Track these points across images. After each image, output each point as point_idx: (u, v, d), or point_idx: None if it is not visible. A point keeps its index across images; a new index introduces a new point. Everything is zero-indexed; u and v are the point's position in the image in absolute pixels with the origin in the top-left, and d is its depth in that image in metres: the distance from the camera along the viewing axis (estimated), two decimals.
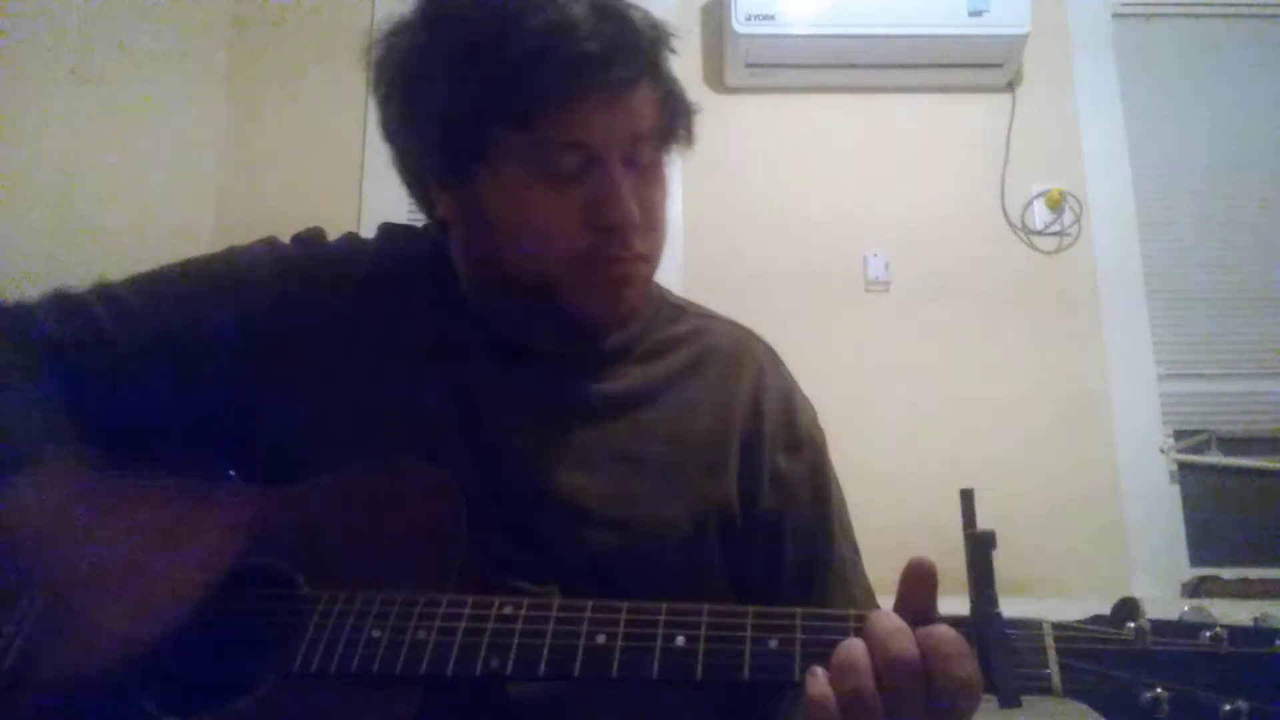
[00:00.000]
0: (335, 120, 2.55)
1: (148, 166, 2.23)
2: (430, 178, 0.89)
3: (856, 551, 0.95)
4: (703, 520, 0.87)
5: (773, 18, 2.41)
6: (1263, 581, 2.12)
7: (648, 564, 0.83)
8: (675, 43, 0.88)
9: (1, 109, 1.75)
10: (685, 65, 2.51)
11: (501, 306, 0.91)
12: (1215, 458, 2.39)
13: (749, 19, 2.40)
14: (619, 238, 0.83)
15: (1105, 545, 2.30)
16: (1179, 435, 2.41)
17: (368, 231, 1.02)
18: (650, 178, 0.87)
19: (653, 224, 0.87)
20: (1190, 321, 2.49)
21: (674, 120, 0.88)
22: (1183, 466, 2.39)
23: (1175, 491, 2.37)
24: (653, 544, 0.85)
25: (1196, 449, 2.40)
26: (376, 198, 2.46)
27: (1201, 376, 2.46)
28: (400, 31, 0.87)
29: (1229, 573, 2.20)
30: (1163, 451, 2.38)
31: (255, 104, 2.60)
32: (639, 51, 0.82)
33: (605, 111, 0.81)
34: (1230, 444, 2.41)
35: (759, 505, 0.90)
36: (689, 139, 0.90)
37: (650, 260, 0.89)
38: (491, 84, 0.80)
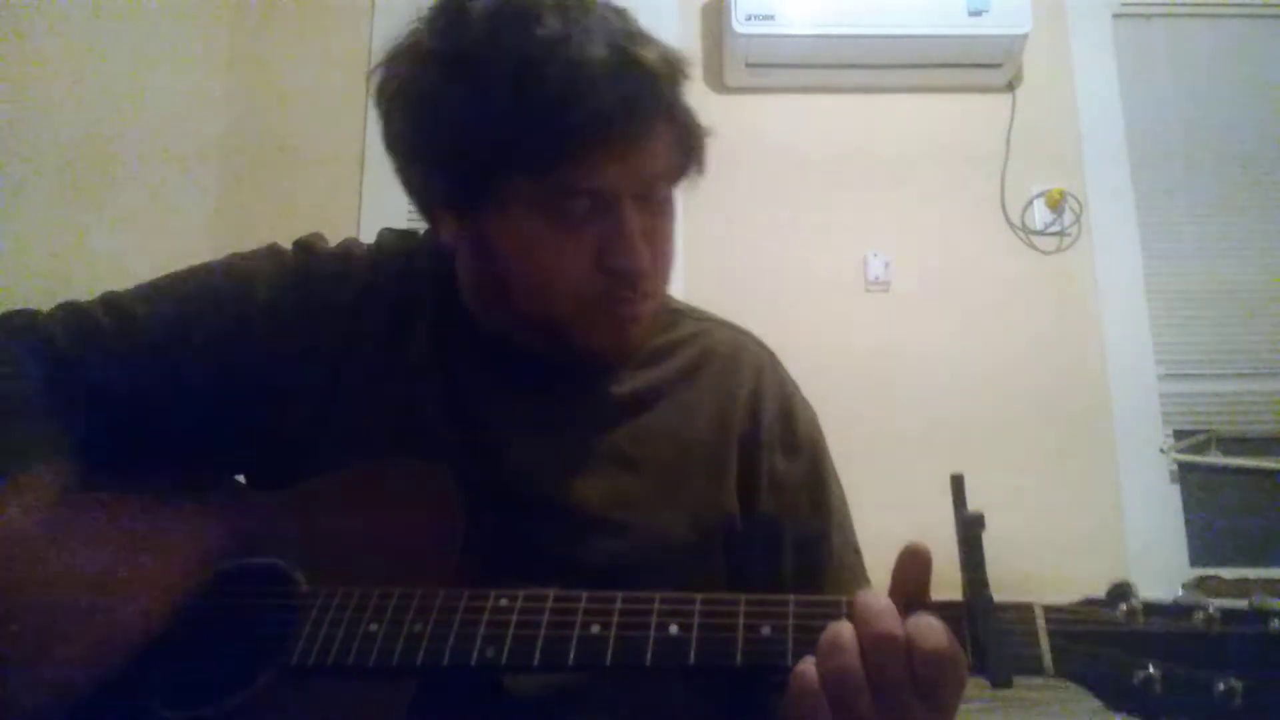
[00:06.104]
0: (334, 124, 2.55)
1: (148, 179, 2.23)
2: (436, 200, 0.87)
3: (858, 554, 0.93)
4: (705, 528, 0.85)
5: (773, 18, 2.41)
6: (1263, 582, 2.12)
7: (649, 570, 0.81)
8: (686, 50, 0.84)
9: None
10: None
11: (505, 326, 0.90)
12: (1215, 458, 2.39)
13: (749, 19, 2.41)
14: (629, 280, 0.82)
15: (1105, 545, 2.30)
16: (1179, 435, 2.41)
17: (366, 236, 1.02)
18: (661, 214, 0.85)
19: (662, 263, 0.86)
20: (1190, 321, 2.49)
21: (689, 156, 0.85)
22: (1183, 466, 2.39)
23: (1175, 491, 2.38)
24: (654, 550, 0.83)
25: (1196, 449, 2.40)
26: (376, 199, 2.47)
27: (1201, 376, 2.46)
28: (406, 55, 0.83)
29: (1229, 573, 2.19)
30: (1163, 451, 2.38)
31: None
32: (657, 96, 0.79)
33: (621, 160, 0.78)
34: (1230, 444, 2.41)
35: (758, 509, 0.88)
36: (701, 169, 0.87)
37: (658, 297, 0.89)
38: (506, 132, 0.76)
